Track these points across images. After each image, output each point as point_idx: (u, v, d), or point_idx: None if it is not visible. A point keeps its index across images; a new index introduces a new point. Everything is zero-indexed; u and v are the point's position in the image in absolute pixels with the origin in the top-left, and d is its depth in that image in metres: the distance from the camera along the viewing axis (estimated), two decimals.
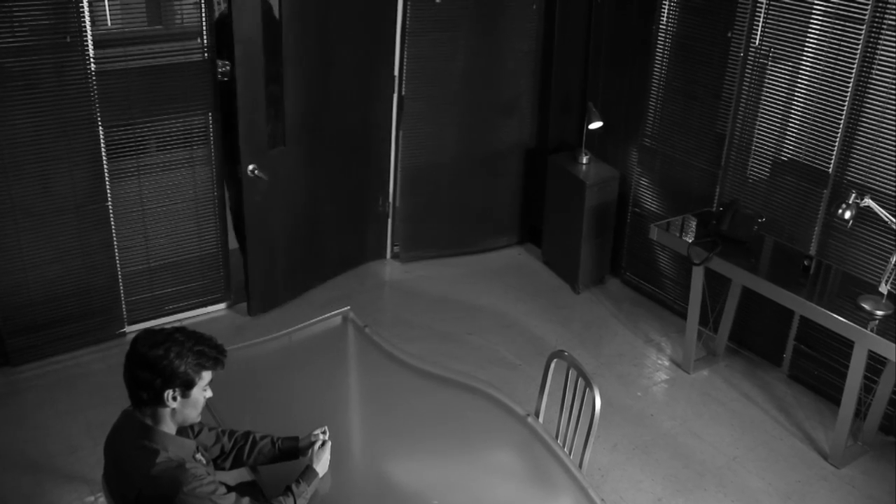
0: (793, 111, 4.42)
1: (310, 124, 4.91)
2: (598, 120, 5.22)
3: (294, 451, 2.71)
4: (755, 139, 4.62)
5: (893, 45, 3.90)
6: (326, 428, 2.73)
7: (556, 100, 5.63)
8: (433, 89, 5.38)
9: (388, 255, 5.82)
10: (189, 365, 2.32)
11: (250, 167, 4.55)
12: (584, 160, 5.39)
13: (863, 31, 3.99)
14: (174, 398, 2.33)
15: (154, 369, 2.29)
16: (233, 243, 5.02)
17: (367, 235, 5.67)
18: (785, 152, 4.52)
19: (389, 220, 5.71)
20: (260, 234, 4.82)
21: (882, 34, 3.93)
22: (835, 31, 4.12)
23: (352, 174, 5.36)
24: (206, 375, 2.38)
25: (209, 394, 2.42)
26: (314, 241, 5.25)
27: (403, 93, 5.33)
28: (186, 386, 2.33)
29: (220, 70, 4.56)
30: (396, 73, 5.27)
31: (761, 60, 4.47)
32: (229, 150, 4.73)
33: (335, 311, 3.65)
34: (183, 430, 2.45)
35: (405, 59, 5.25)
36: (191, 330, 2.41)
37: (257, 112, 4.52)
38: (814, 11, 4.19)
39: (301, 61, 4.70)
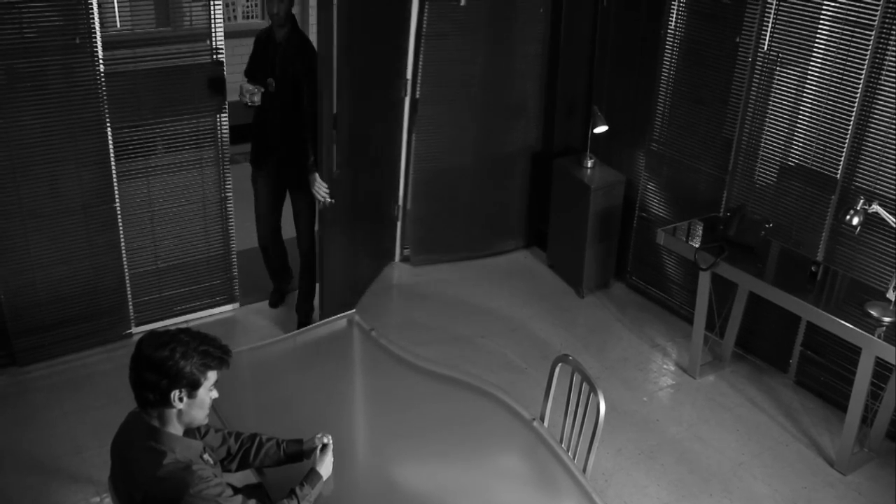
0: (801, 116, 4.41)
1: (352, 143, 4.74)
2: (603, 124, 5.22)
3: (298, 453, 2.71)
4: (763, 144, 4.61)
5: None
6: (330, 436, 2.72)
7: (562, 104, 5.63)
8: (448, 93, 5.39)
9: (398, 258, 5.82)
10: (194, 365, 2.32)
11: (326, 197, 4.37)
12: (589, 164, 5.39)
13: (872, 37, 3.98)
14: (180, 399, 2.33)
15: (160, 370, 2.30)
16: (240, 245, 5.02)
17: (382, 241, 5.67)
18: (793, 157, 4.51)
19: (399, 224, 5.71)
20: (330, 266, 4.64)
21: (891, 40, 3.92)
22: (843, 36, 4.11)
23: (372, 183, 5.36)
24: (212, 376, 2.39)
25: (215, 394, 2.42)
26: (349, 260, 5.17)
27: (418, 96, 5.33)
28: (192, 386, 2.34)
29: (253, 94, 4.45)
30: (409, 76, 5.27)
31: (769, 65, 4.47)
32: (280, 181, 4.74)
33: (340, 315, 3.66)
34: (190, 432, 2.45)
35: (420, 64, 5.25)
36: (195, 330, 2.42)
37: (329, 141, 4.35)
38: (822, 16, 4.18)
39: (349, 84, 4.49)
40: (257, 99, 4.47)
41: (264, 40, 4.61)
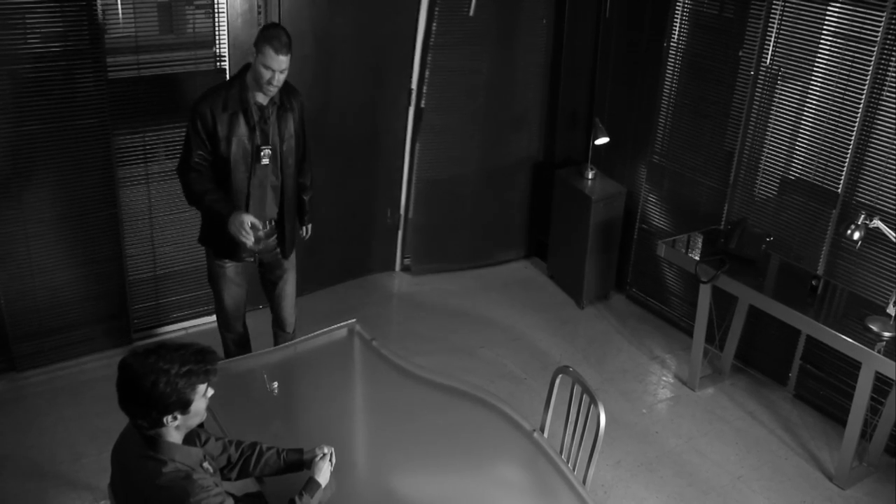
0: (802, 130, 4.42)
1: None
2: (605, 136, 5.23)
3: (298, 463, 2.70)
4: (764, 158, 4.62)
5: None
6: (333, 450, 2.70)
7: (564, 115, 5.64)
8: (454, 102, 5.40)
9: (398, 267, 5.81)
10: (180, 390, 2.28)
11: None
12: (590, 175, 5.40)
13: (874, 52, 4.00)
14: (174, 418, 2.32)
15: (146, 403, 2.27)
16: None
17: (373, 246, 5.67)
18: (794, 171, 4.52)
19: (400, 232, 5.72)
20: None
21: (893, 55, 3.94)
22: (846, 51, 4.12)
23: (356, 184, 5.36)
24: (202, 387, 2.36)
25: (211, 392, 2.39)
26: (309, 245, 5.22)
27: (423, 105, 5.34)
28: (184, 406, 2.32)
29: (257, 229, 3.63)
30: (414, 86, 5.28)
31: (771, 79, 4.48)
32: None
33: (341, 324, 3.65)
34: (190, 439, 2.44)
35: (427, 73, 5.25)
36: (175, 346, 2.34)
37: None
38: (824, 31, 4.20)
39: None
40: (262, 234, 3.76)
41: (231, 108, 3.55)
